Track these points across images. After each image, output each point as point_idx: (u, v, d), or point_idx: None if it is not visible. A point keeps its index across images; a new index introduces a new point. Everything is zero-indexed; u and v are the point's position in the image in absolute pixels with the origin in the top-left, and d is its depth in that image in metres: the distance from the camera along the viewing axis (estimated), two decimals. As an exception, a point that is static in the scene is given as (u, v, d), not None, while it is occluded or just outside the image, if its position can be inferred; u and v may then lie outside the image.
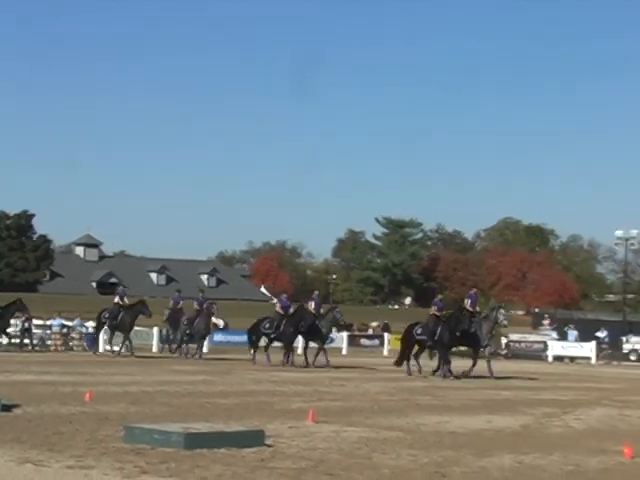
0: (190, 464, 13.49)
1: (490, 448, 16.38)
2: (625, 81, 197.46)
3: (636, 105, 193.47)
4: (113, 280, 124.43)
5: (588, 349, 59.36)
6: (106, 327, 45.67)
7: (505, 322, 38.46)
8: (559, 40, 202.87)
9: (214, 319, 45.79)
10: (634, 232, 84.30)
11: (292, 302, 46.34)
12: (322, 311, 40.73)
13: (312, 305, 40.66)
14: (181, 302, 47.58)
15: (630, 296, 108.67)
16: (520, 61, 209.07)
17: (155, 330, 52.21)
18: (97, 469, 12.82)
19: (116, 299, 45.53)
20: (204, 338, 43.97)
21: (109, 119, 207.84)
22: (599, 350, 59.91)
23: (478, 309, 37.41)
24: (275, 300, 45.76)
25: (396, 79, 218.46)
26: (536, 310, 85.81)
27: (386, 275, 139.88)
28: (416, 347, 37.12)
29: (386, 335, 63.23)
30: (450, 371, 35.35)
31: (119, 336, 45.12)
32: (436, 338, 35.59)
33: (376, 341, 64.10)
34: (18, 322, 48.01)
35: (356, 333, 66.63)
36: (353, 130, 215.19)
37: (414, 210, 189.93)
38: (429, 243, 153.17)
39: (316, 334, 40.02)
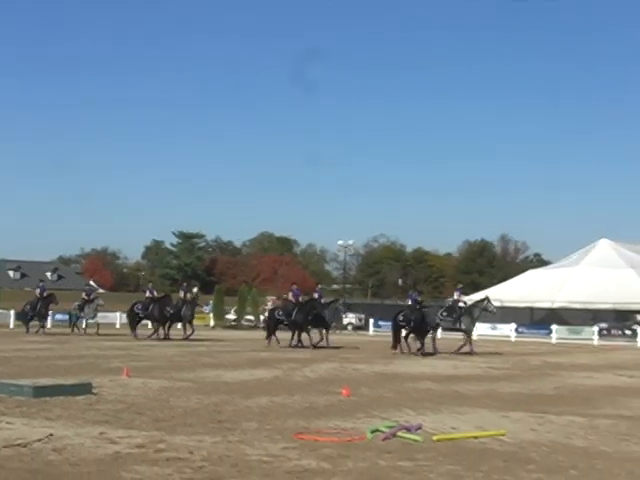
0: (37, 408, 13.22)
1: (252, 393, 16.47)
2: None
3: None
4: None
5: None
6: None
7: (494, 310, 35.36)
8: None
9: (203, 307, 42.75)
10: (351, 242, 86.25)
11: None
12: (323, 301, 36.16)
13: (315, 296, 36.67)
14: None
15: (348, 286, 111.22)
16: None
17: (12, 312, 50.61)
18: (-32, 413, 12.45)
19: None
20: (190, 322, 39.83)
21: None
22: (327, 323, 60.71)
23: (462, 298, 35.28)
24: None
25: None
26: (284, 296, 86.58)
27: (180, 272, 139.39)
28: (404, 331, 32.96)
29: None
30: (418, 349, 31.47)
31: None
32: (412, 325, 31.85)
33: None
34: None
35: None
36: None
37: (200, 224, 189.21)
38: (210, 249, 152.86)
39: (321, 321, 35.44)
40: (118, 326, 55.43)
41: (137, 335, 39.16)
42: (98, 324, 43.93)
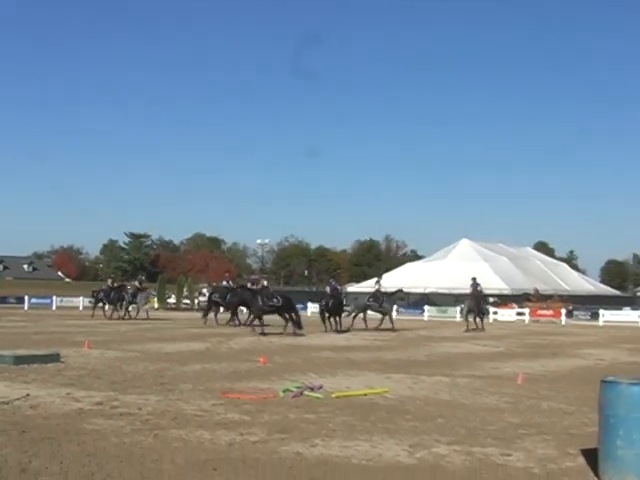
0: (17, 373, 13.10)
1: (188, 361, 16.44)
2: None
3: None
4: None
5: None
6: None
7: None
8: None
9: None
10: (267, 240, 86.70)
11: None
12: (385, 291, 32.78)
13: (378, 288, 32.65)
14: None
15: (264, 276, 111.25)
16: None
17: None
18: (-42, 379, 12.20)
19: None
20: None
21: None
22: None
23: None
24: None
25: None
26: (214, 284, 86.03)
27: (130, 265, 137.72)
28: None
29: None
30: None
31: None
32: (330, 306, 30.08)
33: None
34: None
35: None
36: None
37: (147, 225, 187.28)
38: (154, 246, 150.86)
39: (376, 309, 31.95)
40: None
41: (207, 321, 34.33)
42: (147, 310, 41.08)
